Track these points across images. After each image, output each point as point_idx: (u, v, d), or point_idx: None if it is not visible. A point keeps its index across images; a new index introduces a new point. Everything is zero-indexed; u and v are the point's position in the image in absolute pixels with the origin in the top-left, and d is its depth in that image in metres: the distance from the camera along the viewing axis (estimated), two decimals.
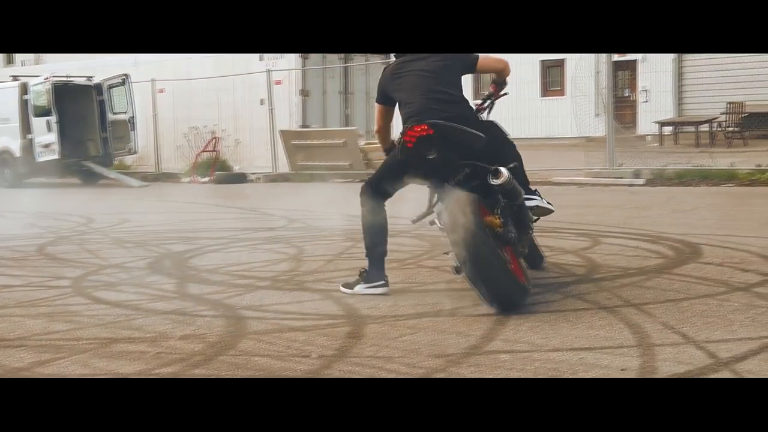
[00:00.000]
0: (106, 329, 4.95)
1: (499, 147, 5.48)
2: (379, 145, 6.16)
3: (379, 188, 5.64)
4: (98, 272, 6.91)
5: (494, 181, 5.10)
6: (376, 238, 5.64)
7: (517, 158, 5.50)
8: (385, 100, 5.76)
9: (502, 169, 5.10)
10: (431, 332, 4.60)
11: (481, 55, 5.66)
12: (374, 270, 5.63)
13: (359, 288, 5.62)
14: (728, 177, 13.20)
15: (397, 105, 5.69)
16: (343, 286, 5.75)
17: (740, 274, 5.80)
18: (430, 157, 5.17)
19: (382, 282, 5.63)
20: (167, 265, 7.13)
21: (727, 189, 12.52)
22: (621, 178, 14.06)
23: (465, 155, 5.22)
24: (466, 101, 5.56)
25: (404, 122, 5.42)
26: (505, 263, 4.98)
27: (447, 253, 5.80)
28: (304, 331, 4.75)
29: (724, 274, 5.85)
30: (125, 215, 11.62)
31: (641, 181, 13.81)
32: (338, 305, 5.37)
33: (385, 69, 5.84)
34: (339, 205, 11.98)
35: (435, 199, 5.54)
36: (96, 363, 4.23)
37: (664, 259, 6.57)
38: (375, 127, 6.06)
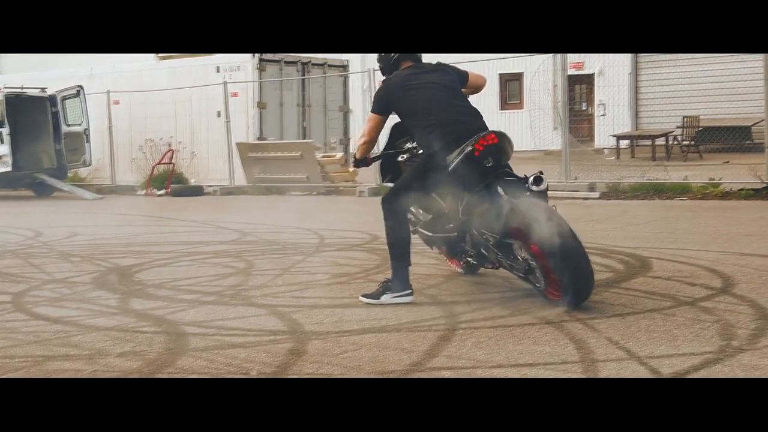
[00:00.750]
0: (42, 346, 4.82)
1: None
2: (357, 153, 6.21)
3: (407, 199, 5.75)
4: (41, 287, 6.75)
5: (535, 188, 5.36)
6: (404, 249, 5.72)
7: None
8: (385, 110, 5.85)
9: (543, 177, 5.41)
10: (374, 348, 4.52)
11: (469, 72, 6.03)
12: (400, 279, 5.67)
13: (386, 298, 5.63)
14: (682, 190, 13.28)
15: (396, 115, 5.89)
16: (365, 296, 5.74)
17: (688, 288, 5.79)
18: (488, 165, 5.43)
19: (410, 291, 5.68)
20: (112, 280, 6.99)
21: (681, 202, 12.59)
22: (576, 191, 14.10)
23: (502, 164, 5.54)
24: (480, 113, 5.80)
25: (429, 133, 5.56)
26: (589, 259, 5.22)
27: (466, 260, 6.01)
28: (245, 347, 4.66)
29: (672, 288, 5.84)
30: (75, 228, 11.42)
31: (596, 194, 13.86)
32: (282, 321, 5.29)
33: (387, 81, 5.91)
34: (293, 218, 11.90)
35: (459, 206, 5.69)
36: None
37: (614, 273, 6.55)
38: (364, 138, 6.03)
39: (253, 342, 4.77)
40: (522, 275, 5.50)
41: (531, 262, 5.34)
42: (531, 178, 5.38)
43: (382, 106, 5.85)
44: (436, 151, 5.50)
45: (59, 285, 6.85)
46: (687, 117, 21.66)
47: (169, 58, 21.13)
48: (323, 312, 5.48)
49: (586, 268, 5.14)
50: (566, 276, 5.11)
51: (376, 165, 6.66)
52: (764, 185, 12.56)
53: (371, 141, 6.03)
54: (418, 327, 4.97)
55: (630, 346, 4.36)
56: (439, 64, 5.95)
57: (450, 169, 5.45)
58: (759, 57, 13.48)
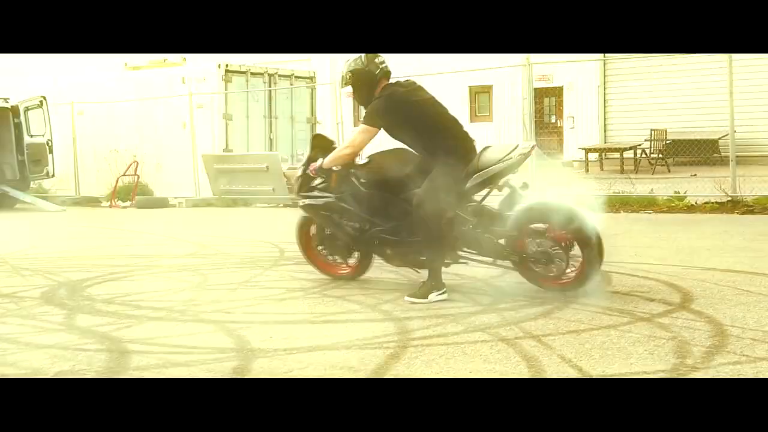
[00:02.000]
0: None
1: None
2: (334, 162, 6.32)
3: (443, 204, 5.93)
4: None
5: (523, 192, 5.99)
6: (442, 250, 6.10)
7: None
8: (385, 125, 6.03)
9: (529, 184, 6.01)
10: (321, 367, 4.39)
11: None
12: (438, 279, 6.02)
13: (433, 296, 5.92)
14: (648, 203, 13.23)
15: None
16: (410, 297, 5.96)
17: (646, 304, 5.69)
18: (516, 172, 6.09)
19: (445, 288, 6.01)
20: (61, 295, 6.80)
21: (647, 215, 12.54)
22: None
23: None
24: None
25: (450, 145, 5.94)
26: None
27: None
28: (188, 366, 4.50)
29: (630, 303, 5.74)
30: (34, 241, 11.20)
31: None
32: (230, 337, 5.13)
33: (389, 98, 6.02)
34: (256, 231, 11.76)
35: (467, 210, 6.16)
36: None
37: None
38: (353, 149, 6.21)
39: (197, 360, 4.61)
40: (541, 265, 5.97)
41: (557, 257, 5.89)
42: (519, 185, 6.00)
43: (384, 119, 6.00)
44: (457, 160, 5.91)
45: (5, 300, 6.65)
46: (654, 130, 21.69)
47: (136, 68, 20.90)
48: (273, 328, 5.33)
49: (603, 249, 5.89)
50: (597, 258, 5.80)
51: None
52: (729, 198, 12.54)
53: (358, 153, 6.22)
54: (369, 344, 4.84)
55: (583, 364, 4.25)
56: (411, 82, 6.28)
57: (485, 175, 5.91)
58: (724, 71, 13.47)
